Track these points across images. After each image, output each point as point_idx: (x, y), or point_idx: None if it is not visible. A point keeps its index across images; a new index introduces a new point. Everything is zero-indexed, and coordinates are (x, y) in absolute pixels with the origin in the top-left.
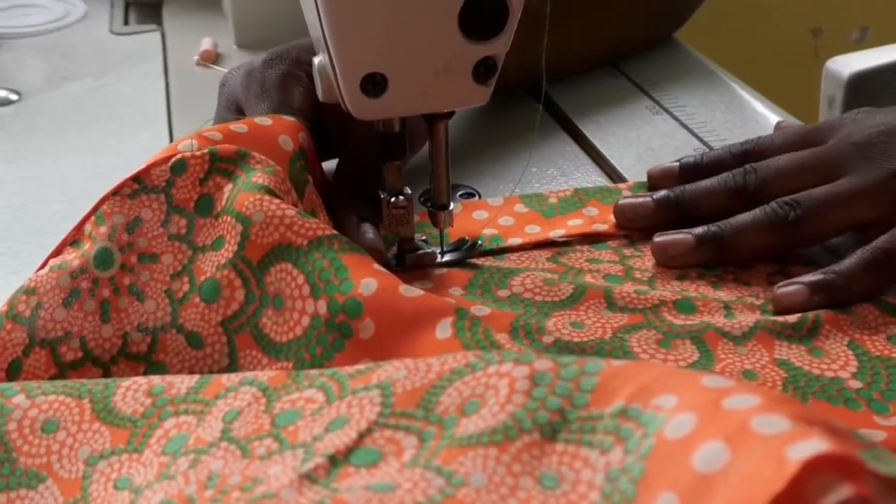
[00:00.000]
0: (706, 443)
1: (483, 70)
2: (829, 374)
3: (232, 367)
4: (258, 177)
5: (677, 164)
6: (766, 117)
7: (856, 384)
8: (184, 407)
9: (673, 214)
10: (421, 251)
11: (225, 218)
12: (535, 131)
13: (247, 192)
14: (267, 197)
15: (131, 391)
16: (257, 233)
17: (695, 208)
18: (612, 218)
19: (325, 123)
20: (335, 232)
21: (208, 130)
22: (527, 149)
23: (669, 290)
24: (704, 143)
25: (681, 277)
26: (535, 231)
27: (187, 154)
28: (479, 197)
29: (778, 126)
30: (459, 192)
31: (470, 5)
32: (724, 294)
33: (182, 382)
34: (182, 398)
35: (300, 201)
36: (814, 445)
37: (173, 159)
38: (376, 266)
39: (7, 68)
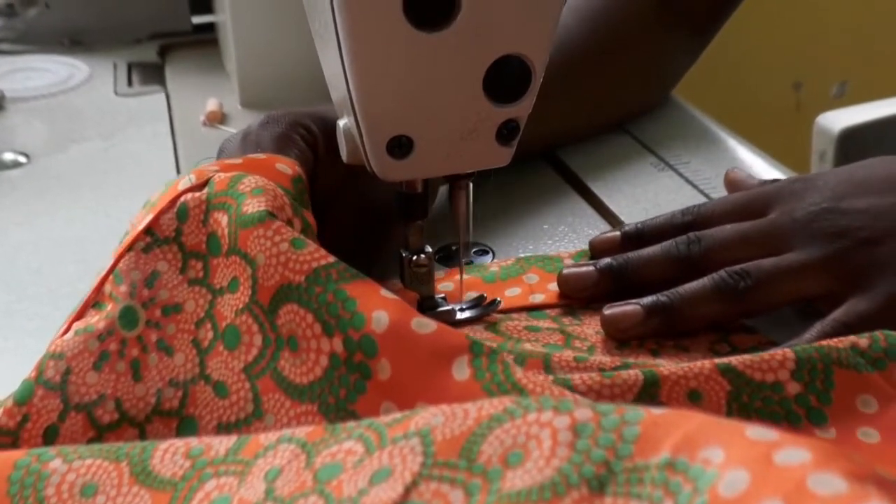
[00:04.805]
0: (764, 503)
1: (506, 132)
2: (770, 377)
3: (257, 412)
4: (248, 204)
5: (619, 233)
6: (765, 173)
7: (794, 388)
8: (223, 468)
9: (616, 283)
10: (441, 308)
11: (234, 258)
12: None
13: (245, 228)
14: (261, 229)
15: (169, 453)
16: (262, 275)
17: (638, 277)
18: (550, 286)
19: (315, 189)
20: (331, 259)
21: (205, 165)
22: (539, 208)
23: (609, 358)
24: (710, 198)
25: (620, 346)
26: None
27: (188, 198)
28: (494, 255)
29: (727, 176)
30: (474, 250)
31: (495, 69)
32: (664, 361)
33: (220, 444)
34: (221, 459)
35: (296, 216)
36: None
37: (178, 204)
38: (383, 292)
39: (14, 131)
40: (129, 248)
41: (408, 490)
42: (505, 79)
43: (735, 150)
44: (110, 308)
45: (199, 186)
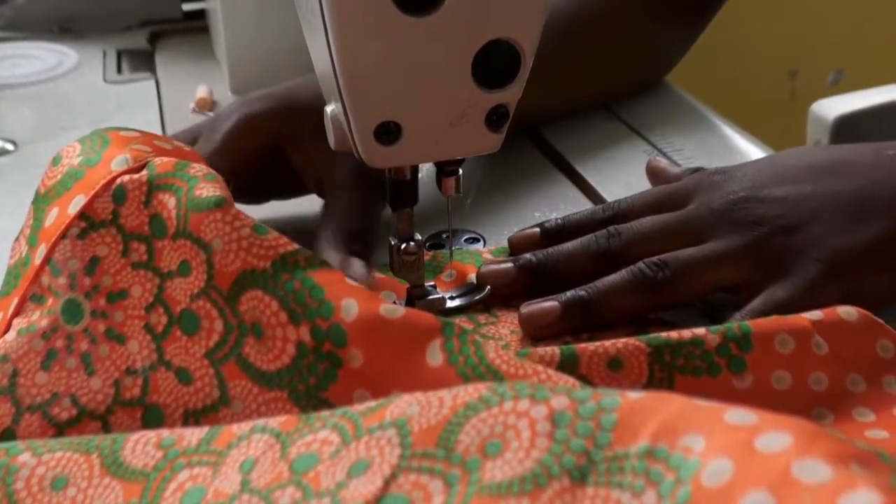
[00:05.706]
0: (750, 493)
1: (496, 118)
2: (687, 335)
3: (224, 398)
4: (202, 188)
5: (538, 229)
6: None
7: (714, 339)
8: (196, 458)
9: (536, 279)
10: (430, 297)
11: (183, 241)
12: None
13: (198, 212)
14: (219, 214)
15: (140, 444)
16: (220, 260)
17: (558, 272)
18: (468, 279)
19: (291, 159)
20: (295, 245)
21: (137, 142)
22: (531, 195)
23: None
24: None
25: (536, 345)
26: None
27: (125, 180)
28: (485, 243)
29: (649, 164)
30: (465, 238)
31: (484, 54)
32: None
33: (192, 434)
34: (194, 450)
35: None
36: (863, 497)
37: (113, 186)
38: (349, 280)
39: (2, 118)
40: (64, 235)
41: (387, 483)
42: (494, 64)
43: (730, 138)
44: (51, 303)
45: (136, 169)
